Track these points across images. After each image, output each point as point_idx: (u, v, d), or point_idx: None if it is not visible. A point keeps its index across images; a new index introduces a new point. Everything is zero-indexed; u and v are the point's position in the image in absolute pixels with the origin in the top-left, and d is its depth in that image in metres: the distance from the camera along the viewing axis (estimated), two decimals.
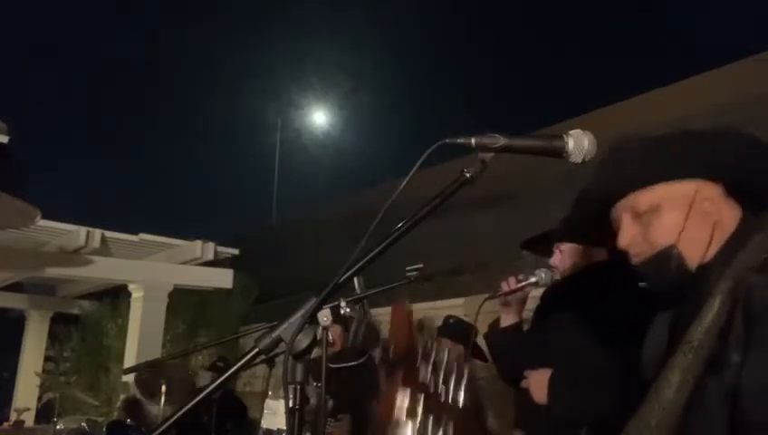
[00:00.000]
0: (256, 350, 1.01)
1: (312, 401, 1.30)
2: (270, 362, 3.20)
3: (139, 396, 5.82)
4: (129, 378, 6.16)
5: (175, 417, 0.97)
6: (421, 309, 5.64)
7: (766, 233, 1.15)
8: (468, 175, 1.07)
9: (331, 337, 1.05)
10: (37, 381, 8.40)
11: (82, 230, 6.16)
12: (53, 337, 9.41)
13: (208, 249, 7.01)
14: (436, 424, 0.82)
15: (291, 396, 1.01)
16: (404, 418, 0.79)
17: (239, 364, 1.03)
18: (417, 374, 0.84)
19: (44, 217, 4.12)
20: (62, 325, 9.35)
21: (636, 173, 1.24)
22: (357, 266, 1.03)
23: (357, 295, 1.16)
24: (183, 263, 7.25)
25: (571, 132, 1.10)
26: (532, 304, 2.44)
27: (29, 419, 8.00)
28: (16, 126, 7.21)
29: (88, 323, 8.97)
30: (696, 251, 1.21)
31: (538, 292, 2.36)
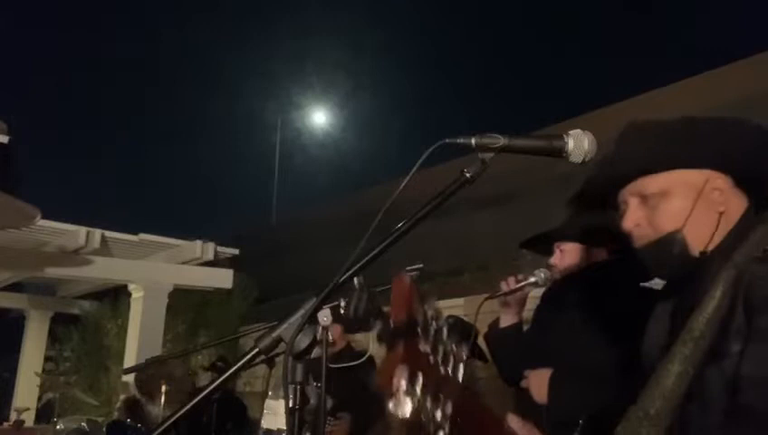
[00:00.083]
0: (256, 350, 1.01)
1: (312, 401, 1.30)
2: (270, 362, 3.21)
3: (138, 396, 5.83)
4: (129, 378, 6.17)
5: (175, 417, 0.97)
6: None
7: None
8: (468, 175, 1.07)
9: (331, 337, 1.04)
10: (37, 381, 8.40)
11: (82, 230, 6.15)
12: (53, 337, 9.40)
13: (208, 249, 7.01)
14: (435, 402, 0.82)
15: (291, 396, 1.01)
16: (402, 395, 0.78)
17: (239, 364, 1.03)
18: (417, 348, 0.83)
19: (44, 217, 4.11)
20: (62, 325, 9.34)
21: (647, 157, 1.24)
22: (357, 266, 1.02)
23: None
24: (183, 263, 7.25)
25: (571, 132, 1.10)
26: (532, 304, 2.44)
27: (29, 419, 7.99)
28: (16, 126, 7.21)
29: (88, 323, 8.97)
30: (699, 239, 1.21)
31: (538, 292, 2.36)
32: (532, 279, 2.19)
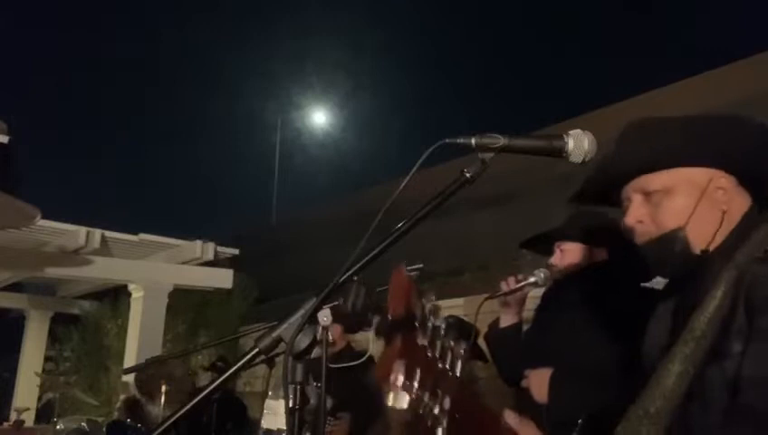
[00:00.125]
0: (256, 350, 1.01)
1: (312, 401, 1.30)
2: (270, 362, 3.21)
3: (138, 396, 5.83)
4: (129, 378, 6.17)
5: (175, 417, 0.97)
6: None
7: None
8: (468, 175, 1.07)
9: (331, 337, 1.04)
10: (37, 381, 8.40)
11: (82, 230, 6.15)
12: (53, 337, 9.41)
13: (208, 249, 7.01)
14: (433, 397, 0.81)
15: (291, 396, 1.01)
16: (400, 390, 0.78)
17: (239, 364, 1.03)
18: (414, 342, 0.83)
19: (44, 217, 4.10)
20: (62, 325, 9.34)
21: (649, 155, 1.24)
22: (357, 266, 1.02)
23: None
24: (183, 263, 7.25)
25: (571, 132, 1.10)
26: (532, 304, 2.44)
27: (29, 419, 7.99)
28: (16, 126, 7.21)
29: (88, 323, 8.97)
30: (702, 238, 1.21)
31: (538, 292, 2.36)
32: (532, 279, 2.19)
